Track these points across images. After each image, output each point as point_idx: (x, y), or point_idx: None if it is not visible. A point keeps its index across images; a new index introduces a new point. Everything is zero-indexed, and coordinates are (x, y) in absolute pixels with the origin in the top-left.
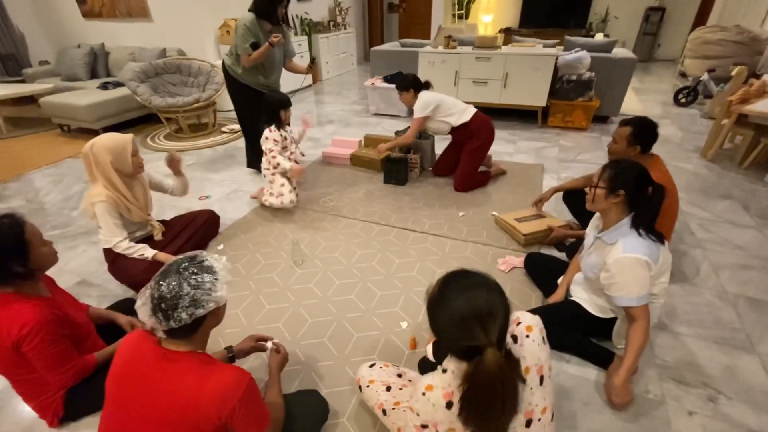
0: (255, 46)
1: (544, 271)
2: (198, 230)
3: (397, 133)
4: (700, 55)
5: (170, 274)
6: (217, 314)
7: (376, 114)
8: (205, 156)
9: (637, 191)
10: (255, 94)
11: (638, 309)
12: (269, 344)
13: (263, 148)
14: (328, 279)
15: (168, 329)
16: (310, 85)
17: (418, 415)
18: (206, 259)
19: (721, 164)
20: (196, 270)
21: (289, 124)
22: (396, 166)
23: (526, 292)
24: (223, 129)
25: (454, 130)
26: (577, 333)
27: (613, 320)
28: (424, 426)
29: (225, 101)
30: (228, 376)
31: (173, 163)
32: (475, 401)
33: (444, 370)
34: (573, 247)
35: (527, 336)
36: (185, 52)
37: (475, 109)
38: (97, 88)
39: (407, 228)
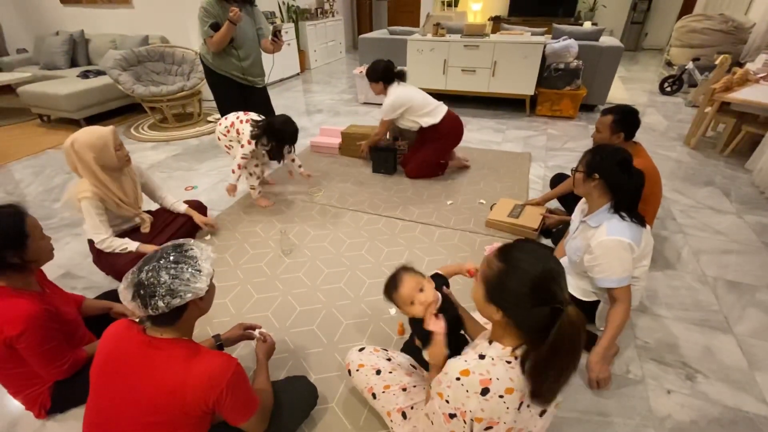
0: (215, 26)
1: None
2: (186, 222)
3: None
4: (685, 43)
5: (152, 260)
6: (199, 305)
7: (365, 103)
8: (191, 146)
9: (616, 175)
10: (234, 85)
11: (620, 290)
12: (257, 333)
13: (238, 156)
14: (317, 268)
15: (150, 316)
16: (297, 74)
17: (447, 402)
18: (191, 249)
19: (704, 152)
20: (178, 259)
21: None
22: (384, 155)
23: None
24: (209, 119)
25: (423, 130)
26: None
27: (596, 303)
28: (452, 415)
29: (209, 90)
30: (215, 362)
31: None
32: (557, 358)
33: (482, 356)
34: (559, 233)
35: None
36: (168, 39)
37: (446, 108)
38: (78, 76)
39: (396, 217)
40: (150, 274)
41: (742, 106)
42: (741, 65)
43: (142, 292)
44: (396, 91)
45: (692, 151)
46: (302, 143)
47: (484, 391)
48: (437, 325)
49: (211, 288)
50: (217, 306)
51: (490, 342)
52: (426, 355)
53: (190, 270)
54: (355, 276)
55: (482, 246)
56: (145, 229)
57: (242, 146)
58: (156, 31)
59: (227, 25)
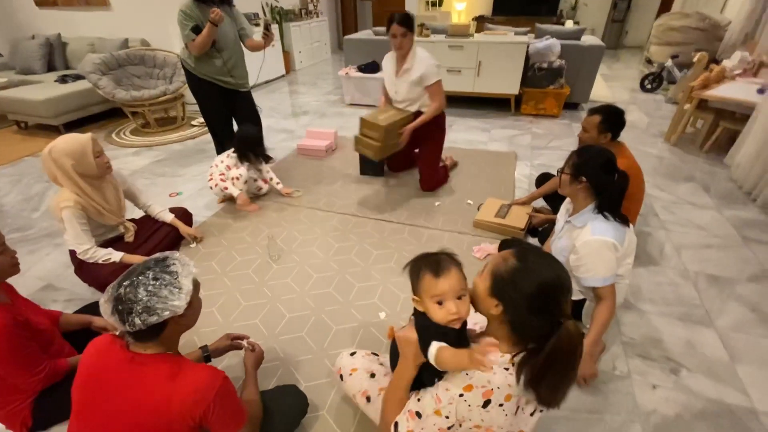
0: (196, 29)
1: None
2: (171, 231)
3: None
4: (664, 41)
5: (132, 275)
6: (180, 321)
7: (351, 104)
8: (174, 151)
9: (601, 177)
10: (216, 90)
11: (605, 289)
12: (244, 343)
13: (215, 168)
14: (306, 273)
15: (130, 332)
16: (283, 75)
17: (447, 417)
18: (173, 263)
19: (684, 148)
20: (158, 275)
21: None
22: None
23: None
24: (193, 122)
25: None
26: None
27: (582, 302)
28: (449, 427)
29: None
30: (201, 375)
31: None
32: (556, 368)
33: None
34: (545, 232)
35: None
36: (149, 42)
37: None
38: (55, 81)
39: (384, 219)
40: (128, 289)
41: (719, 103)
42: (718, 62)
43: (120, 307)
44: (421, 50)
45: (673, 148)
46: (289, 146)
47: (486, 403)
48: (488, 360)
49: (196, 302)
50: (204, 315)
51: None
52: (433, 357)
53: (168, 287)
54: (344, 280)
55: (470, 246)
56: (129, 238)
57: (239, 177)
58: (136, 33)
59: (209, 27)
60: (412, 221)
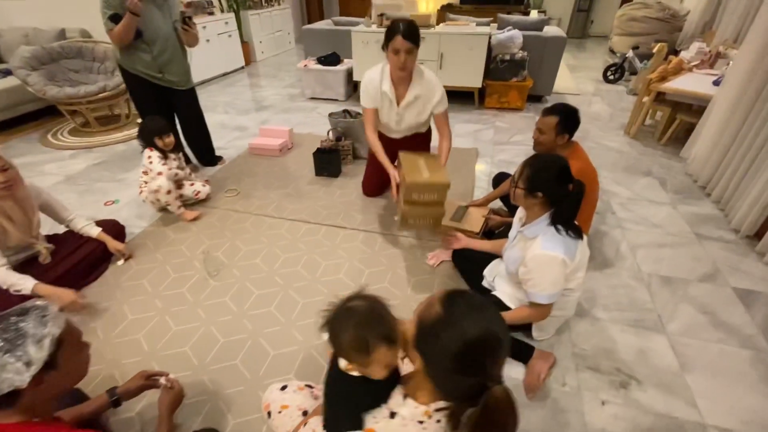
0: (116, 18)
1: (471, 264)
2: (97, 248)
3: (331, 116)
4: (626, 32)
5: None
6: (41, 388)
7: (312, 98)
8: (116, 153)
9: (557, 189)
10: (150, 87)
11: (543, 305)
12: (163, 380)
13: (144, 167)
14: (246, 290)
15: None
16: (242, 67)
17: None
18: (25, 322)
19: (643, 141)
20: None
21: (173, 151)
22: (328, 157)
23: (453, 286)
24: (139, 120)
25: (413, 137)
26: None
27: None
28: None
29: None
30: None
31: None
32: None
33: (393, 414)
34: (501, 234)
35: None
36: (90, 32)
37: None
38: None
39: (337, 225)
40: None
41: (676, 95)
42: (677, 53)
43: None
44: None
45: (632, 141)
46: (242, 145)
47: None
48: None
49: (67, 364)
50: (128, 343)
51: (405, 397)
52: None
53: (7, 355)
54: (287, 297)
55: (425, 253)
56: (45, 260)
57: (150, 161)
58: (75, 23)
59: (127, 16)
60: (366, 226)
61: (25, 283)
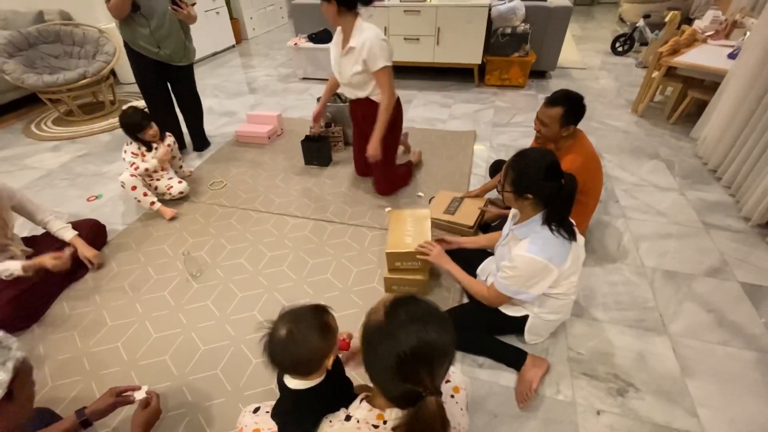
0: None
1: (464, 264)
2: (76, 250)
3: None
4: None
5: None
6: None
7: (304, 78)
8: (101, 143)
9: (547, 188)
10: (149, 63)
11: (502, 294)
12: (137, 394)
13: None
14: (230, 292)
15: None
16: (232, 46)
17: None
18: None
19: (651, 119)
20: None
21: (157, 142)
22: (317, 146)
23: (445, 286)
24: (125, 107)
25: (370, 109)
26: (491, 333)
27: (525, 318)
28: None
29: (126, 72)
30: None
31: None
32: None
33: (348, 417)
34: (497, 228)
35: (452, 396)
36: (70, 14)
37: None
38: None
39: (325, 219)
40: None
41: (688, 70)
42: (690, 21)
43: None
44: (369, 26)
45: (640, 120)
46: (230, 132)
47: None
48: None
49: (20, 396)
50: (106, 352)
51: (362, 400)
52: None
53: None
54: (272, 299)
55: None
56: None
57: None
58: (54, 4)
59: None
60: (356, 220)
61: (11, 265)
